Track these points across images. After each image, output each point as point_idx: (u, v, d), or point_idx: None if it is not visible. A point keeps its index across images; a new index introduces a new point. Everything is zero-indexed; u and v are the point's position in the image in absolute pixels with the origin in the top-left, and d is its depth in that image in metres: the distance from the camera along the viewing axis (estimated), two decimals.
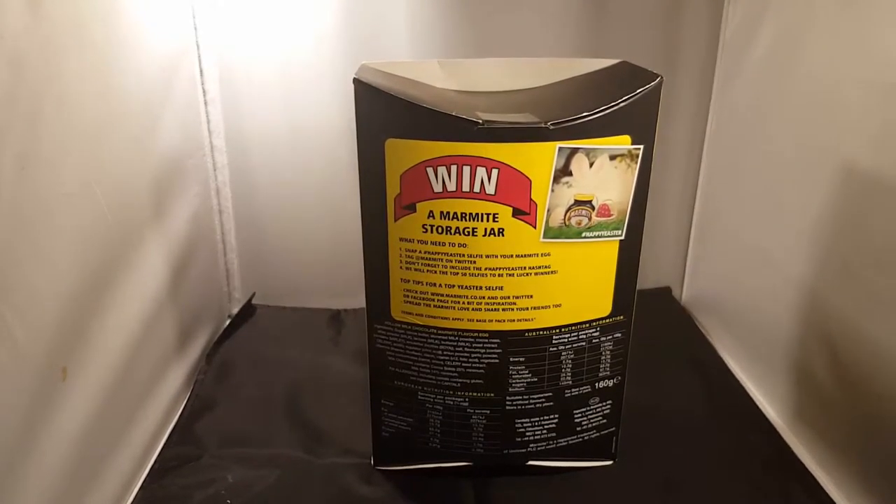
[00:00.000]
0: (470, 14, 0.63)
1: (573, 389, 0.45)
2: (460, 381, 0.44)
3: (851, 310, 0.47)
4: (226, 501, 0.46)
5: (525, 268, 0.40)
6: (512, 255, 0.40)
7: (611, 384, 0.46)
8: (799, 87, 0.51)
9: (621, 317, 0.44)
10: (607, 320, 0.44)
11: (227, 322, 0.69)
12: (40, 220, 0.37)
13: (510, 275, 0.40)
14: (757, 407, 0.56)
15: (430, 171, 0.38)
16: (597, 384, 0.46)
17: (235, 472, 0.48)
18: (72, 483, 0.41)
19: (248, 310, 0.71)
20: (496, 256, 0.40)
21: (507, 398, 0.44)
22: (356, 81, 0.38)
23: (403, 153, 0.38)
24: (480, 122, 0.37)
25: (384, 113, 0.38)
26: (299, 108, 0.64)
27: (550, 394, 0.45)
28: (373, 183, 0.40)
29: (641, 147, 0.39)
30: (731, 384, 0.60)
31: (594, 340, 0.44)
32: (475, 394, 0.44)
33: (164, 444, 0.52)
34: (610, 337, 0.45)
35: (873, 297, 0.45)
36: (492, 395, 0.44)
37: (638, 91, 0.38)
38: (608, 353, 0.45)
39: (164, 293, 0.54)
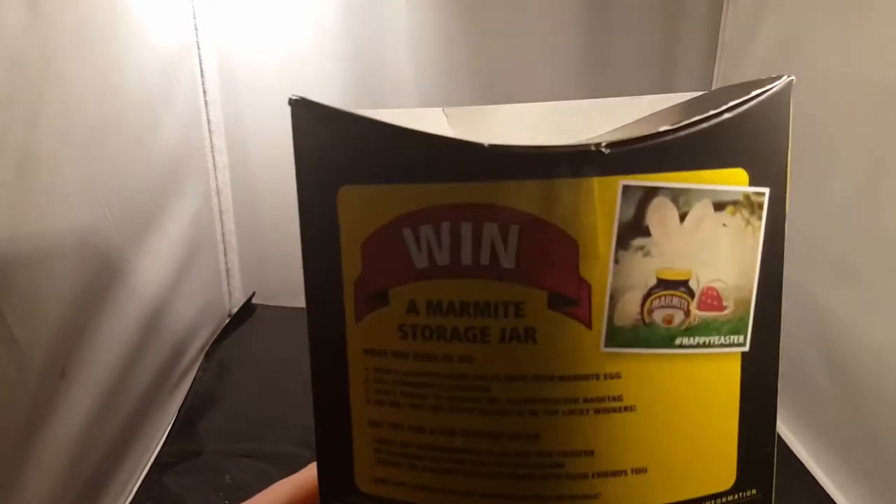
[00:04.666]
0: (470, 14, 0.59)
1: None
2: None
3: (850, 310, 0.47)
4: (224, 501, 0.45)
5: (577, 399, 0.23)
6: (553, 378, 0.23)
7: None
8: (798, 88, 0.44)
9: (752, 491, 0.25)
10: (730, 498, 0.25)
11: (227, 321, 0.69)
12: (41, 220, 0.37)
13: (551, 413, 0.23)
14: None
15: (407, 233, 0.23)
16: None
17: (234, 470, 0.48)
18: (71, 481, 0.41)
19: (248, 309, 0.70)
20: (525, 379, 0.23)
21: None
22: (293, 101, 0.24)
23: (365, 208, 0.24)
24: (486, 145, 0.22)
25: (338, 144, 0.24)
26: None
27: None
28: (321, 257, 0.25)
29: (767, 191, 0.23)
30: None
31: None
32: None
33: (164, 441, 0.53)
34: None
35: (872, 297, 0.46)
36: None
37: (753, 95, 0.23)
38: None
39: (164, 292, 0.54)
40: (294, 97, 0.24)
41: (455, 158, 0.22)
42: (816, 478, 0.50)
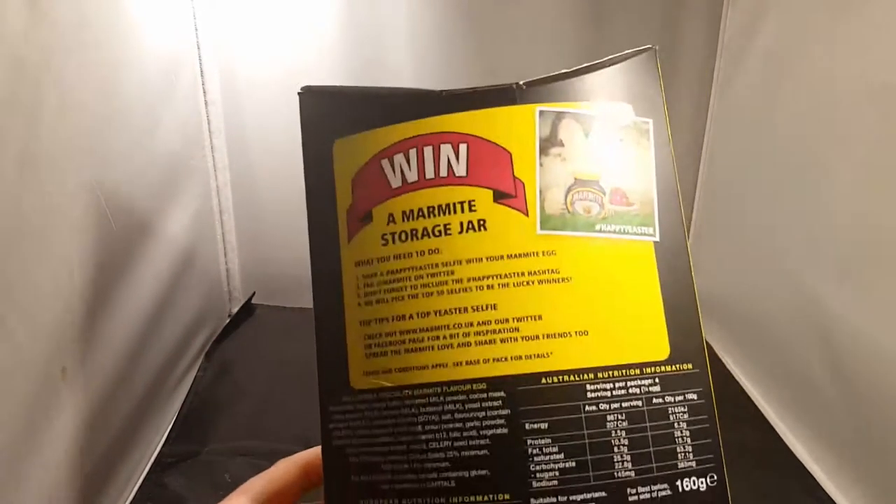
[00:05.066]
0: (470, 12, 0.64)
1: (639, 488, 0.28)
2: (454, 473, 0.28)
3: (850, 310, 0.47)
4: None
5: (524, 273, 0.29)
6: (502, 256, 0.29)
7: (702, 486, 0.29)
8: (798, 88, 0.51)
9: (689, 365, 0.30)
10: (668, 368, 0.29)
11: (227, 321, 0.69)
12: (41, 220, 0.37)
13: (503, 286, 0.29)
14: (756, 406, 0.58)
15: (385, 163, 0.31)
16: (678, 482, 0.29)
17: (234, 469, 0.49)
18: (72, 481, 0.41)
19: (248, 309, 0.71)
20: (481, 260, 0.29)
21: (532, 500, 0.28)
22: (301, 91, 0.34)
23: (354, 151, 0.32)
24: (440, 91, 0.30)
25: (332, 113, 0.33)
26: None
27: (603, 493, 0.28)
28: (320, 198, 0.32)
29: (650, 121, 0.32)
30: (730, 384, 0.61)
31: (655, 401, 0.29)
32: (479, 498, 0.28)
33: (164, 441, 0.53)
34: (681, 398, 0.29)
35: (873, 297, 0.45)
36: (507, 496, 0.28)
37: (630, 53, 0.32)
38: (684, 425, 0.29)
39: (165, 292, 0.54)
40: (302, 88, 0.33)
41: (417, 102, 0.31)
42: (816, 478, 0.50)
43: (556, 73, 0.31)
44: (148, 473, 0.50)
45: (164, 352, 0.56)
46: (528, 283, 0.29)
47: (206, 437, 0.54)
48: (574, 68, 0.31)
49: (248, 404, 0.58)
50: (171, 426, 0.55)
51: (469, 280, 0.29)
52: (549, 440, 0.28)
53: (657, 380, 0.29)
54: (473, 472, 0.28)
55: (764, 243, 0.58)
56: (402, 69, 0.72)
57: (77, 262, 0.42)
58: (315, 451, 0.33)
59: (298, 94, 0.33)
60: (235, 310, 0.74)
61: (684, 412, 0.29)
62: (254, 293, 0.74)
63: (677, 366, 0.30)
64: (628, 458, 0.28)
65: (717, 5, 0.65)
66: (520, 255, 0.29)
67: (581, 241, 0.29)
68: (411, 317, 0.29)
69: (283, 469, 0.34)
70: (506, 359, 0.28)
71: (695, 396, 0.30)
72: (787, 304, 0.56)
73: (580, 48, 0.69)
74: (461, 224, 0.29)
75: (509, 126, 0.30)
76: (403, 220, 0.30)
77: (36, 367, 0.38)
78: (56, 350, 0.39)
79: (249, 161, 0.73)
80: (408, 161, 0.30)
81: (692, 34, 0.68)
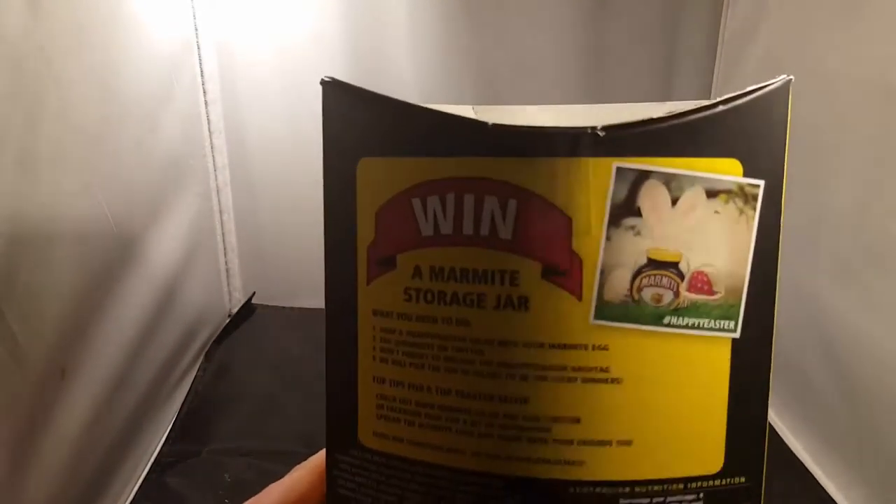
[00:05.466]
0: (470, 13, 0.61)
1: None
2: None
3: (850, 311, 0.46)
4: (225, 501, 0.44)
5: (566, 367, 0.24)
6: (543, 345, 0.24)
7: None
8: (798, 88, 0.43)
9: (742, 479, 0.26)
10: (717, 482, 0.26)
11: (227, 321, 0.69)
12: (41, 220, 0.37)
13: (540, 378, 0.25)
14: None
15: (416, 203, 0.25)
16: None
17: (234, 469, 0.48)
18: (71, 481, 0.41)
19: (248, 309, 0.70)
20: (516, 345, 0.25)
21: None
22: (325, 82, 0.27)
23: (381, 179, 0.26)
24: (489, 124, 0.24)
25: (359, 120, 0.27)
26: (300, 109, 0.65)
27: None
28: (340, 223, 0.27)
29: (762, 184, 0.24)
30: None
31: None
32: None
33: (164, 441, 0.53)
34: None
35: (872, 298, 0.45)
36: None
37: (749, 90, 0.24)
38: None
39: (165, 292, 0.54)
40: (326, 78, 0.27)
41: (461, 135, 0.24)
42: (816, 478, 0.50)
43: (646, 118, 0.23)
44: (148, 473, 0.50)
45: (163, 352, 0.55)
46: (569, 379, 0.24)
47: (206, 436, 0.54)
48: (672, 112, 0.23)
49: (248, 404, 0.58)
50: (171, 426, 0.55)
51: (499, 365, 0.25)
52: None
53: (701, 495, 0.26)
54: None
55: None
56: (403, 71, 0.69)
57: (77, 262, 0.41)
58: (295, 478, 0.32)
59: (321, 84, 0.27)
60: (235, 310, 0.73)
61: None
62: (254, 293, 0.74)
63: (728, 480, 0.26)
64: None
65: (717, 5, 0.65)
66: (564, 347, 0.24)
67: (642, 336, 0.24)
68: (430, 389, 0.26)
69: (300, 476, 0.33)
70: (530, 460, 0.25)
71: None
72: (787, 305, 0.53)
73: (580, 47, 0.67)
74: (498, 298, 0.24)
75: (575, 184, 0.24)
76: (432, 278, 0.25)
77: (35, 368, 0.37)
78: (56, 350, 0.39)
79: (249, 161, 0.71)
80: (443, 207, 0.25)
81: (692, 34, 0.67)
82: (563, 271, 0.24)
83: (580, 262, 0.24)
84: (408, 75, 0.71)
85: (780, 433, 0.53)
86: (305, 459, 0.40)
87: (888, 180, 0.43)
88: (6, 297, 0.34)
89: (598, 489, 0.25)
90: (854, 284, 0.47)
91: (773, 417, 0.55)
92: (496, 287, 0.24)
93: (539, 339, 0.24)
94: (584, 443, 0.25)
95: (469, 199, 0.24)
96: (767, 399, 0.26)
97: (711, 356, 0.25)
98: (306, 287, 0.73)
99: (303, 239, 0.72)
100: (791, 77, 0.24)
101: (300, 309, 0.73)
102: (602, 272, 0.24)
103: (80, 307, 0.42)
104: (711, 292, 0.24)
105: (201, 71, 0.64)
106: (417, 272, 0.26)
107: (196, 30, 0.63)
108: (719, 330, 0.25)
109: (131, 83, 0.49)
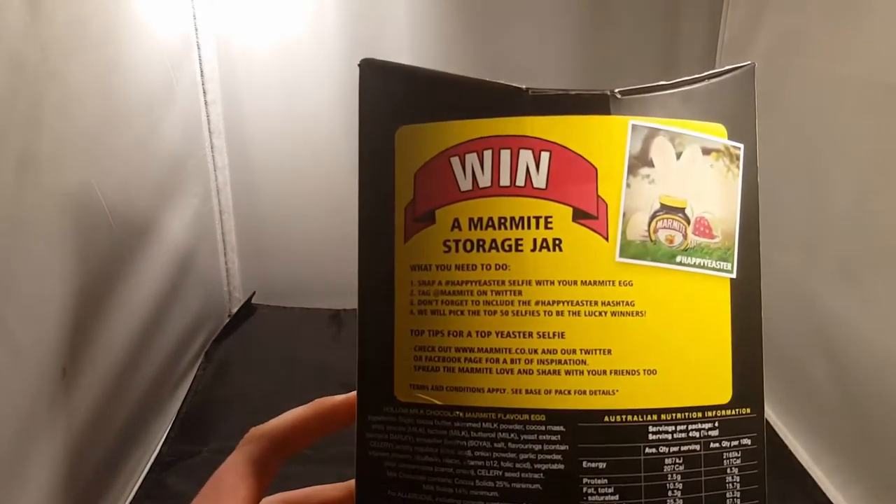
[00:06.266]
0: (470, 9, 0.63)
1: None
2: None
3: (850, 310, 0.46)
4: None
5: (597, 302, 0.27)
6: (576, 282, 0.27)
7: None
8: (798, 88, 0.50)
9: (747, 409, 0.29)
10: (728, 412, 0.28)
11: (227, 321, 0.69)
12: (41, 219, 0.37)
13: (574, 313, 0.27)
14: None
15: (454, 161, 0.28)
16: None
17: None
18: (71, 481, 0.41)
19: (248, 309, 0.70)
20: (553, 283, 0.27)
21: None
22: (362, 63, 0.30)
23: (420, 142, 0.29)
24: (524, 87, 0.27)
25: (396, 94, 0.29)
26: (300, 109, 0.65)
27: None
28: (376, 189, 0.29)
29: (742, 146, 0.29)
30: None
31: (713, 445, 0.28)
32: None
33: (164, 440, 0.53)
34: (736, 443, 0.28)
35: (873, 297, 0.45)
36: None
37: (728, 70, 0.29)
38: (736, 470, 0.28)
39: (165, 292, 0.54)
40: (362, 61, 0.30)
41: (497, 98, 0.28)
42: (816, 478, 0.50)
43: (653, 83, 0.28)
44: (148, 473, 0.50)
45: (164, 351, 0.55)
46: (600, 313, 0.27)
47: (206, 436, 0.53)
48: (672, 81, 0.28)
49: (249, 404, 0.57)
50: (171, 426, 0.55)
51: (537, 303, 0.27)
52: (606, 480, 0.27)
53: (716, 424, 0.28)
54: None
55: (764, 243, 0.59)
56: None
57: (77, 261, 0.41)
58: (326, 402, 0.32)
59: (358, 66, 0.30)
60: (235, 309, 0.73)
61: (737, 457, 0.28)
62: (254, 293, 0.75)
63: (737, 410, 0.29)
64: (681, 502, 0.27)
65: (717, 5, 0.65)
66: (595, 283, 0.27)
67: (659, 273, 0.27)
68: (469, 334, 0.27)
69: (294, 413, 0.32)
70: (569, 392, 0.27)
71: (749, 441, 0.29)
72: (787, 304, 0.56)
73: (581, 46, 0.72)
74: (535, 241, 0.27)
75: (599, 138, 0.27)
76: (470, 228, 0.28)
77: (36, 367, 0.37)
78: (56, 350, 0.39)
79: (249, 161, 0.72)
80: (481, 163, 0.28)
81: (692, 34, 0.68)
82: (592, 215, 0.27)
83: (606, 206, 0.27)
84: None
85: (779, 433, 0.54)
86: (306, 459, 0.40)
87: (887, 180, 0.44)
88: (6, 297, 0.34)
89: (630, 417, 0.27)
90: (854, 284, 0.47)
91: (773, 417, 0.56)
92: (532, 231, 0.27)
93: (573, 276, 0.27)
94: (616, 372, 0.27)
95: (506, 154, 0.27)
96: (762, 337, 0.29)
97: (715, 294, 0.28)
98: (306, 287, 0.72)
99: (303, 238, 0.72)
100: (754, 63, 0.30)
101: (300, 309, 0.72)
102: (624, 215, 0.27)
103: (81, 306, 0.41)
104: (712, 236, 0.28)
105: (201, 71, 0.65)
106: (456, 224, 0.28)
107: (196, 29, 0.63)
108: (719, 270, 0.28)
109: (131, 82, 0.49)
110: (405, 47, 0.71)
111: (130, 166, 0.49)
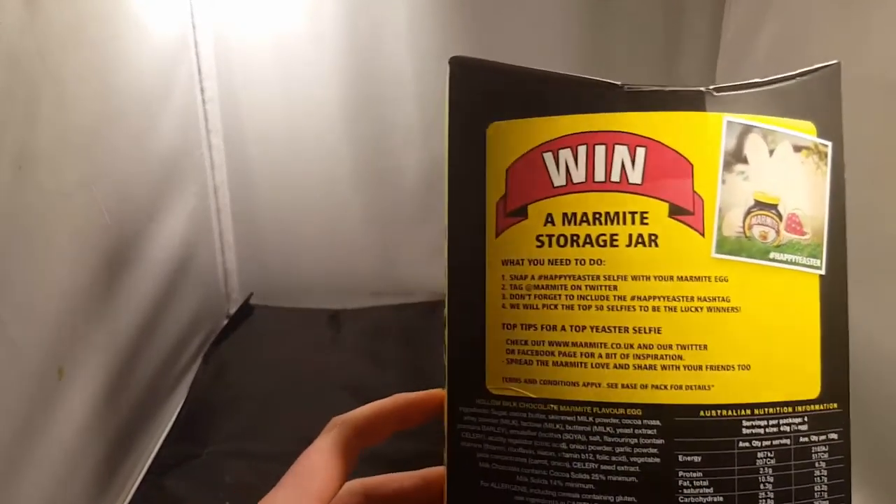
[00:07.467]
0: (468, 7, 0.63)
1: None
2: (598, 497, 0.27)
3: (853, 311, 0.40)
4: (225, 502, 0.45)
5: (693, 297, 0.27)
6: (672, 277, 0.27)
7: None
8: None
9: (835, 405, 0.29)
10: (817, 407, 0.29)
11: (225, 321, 0.68)
12: (38, 219, 0.37)
13: (670, 309, 0.27)
14: None
15: (548, 157, 0.28)
16: None
17: (234, 470, 0.48)
18: (71, 482, 0.40)
19: (246, 310, 0.69)
20: (649, 279, 0.27)
21: None
22: (453, 61, 0.30)
23: (512, 138, 0.29)
24: (620, 84, 0.28)
25: (487, 91, 0.29)
26: (298, 107, 0.64)
27: None
28: (467, 185, 0.29)
29: (830, 144, 0.29)
30: None
31: (802, 440, 0.28)
32: None
33: (163, 443, 0.52)
34: (824, 437, 0.29)
35: (874, 297, 0.44)
36: None
37: (815, 68, 0.29)
38: (823, 465, 0.29)
39: (162, 292, 0.53)
40: (452, 59, 0.30)
41: (592, 93, 0.28)
42: None
43: (746, 81, 0.28)
44: (146, 475, 0.49)
45: (162, 352, 0.55)
46: (696, 308, 0.27)
47: (205, 438, 0.53)
48: (765, 78, 0.28)
49: (248, 405, 0.57)
50: (169, 428, 0.54)
51: (633, 298, 0.27)
52: (701, 474, 0.27)
53: (806, 419, 0.28)
54: (619, 498, 0.27)
55: None
56: (402, 67, 0.70)
57: (73, 261, 0.41)
58: (405, 396, 0.32)
59: (448, 63, 0.30)
60: (233, 310, 0.72)
61: (825, 451, 0.29)
62: (251, 293, 0.73)
63: (825, 405, 0.29)
64: (772, 496, 0.28)
65: (717, 5, 0.65)
66: (691, 279, 0.27)
67: (754, 269, 0.28)
68: (563, 328, 0.28)
69: (374, 405, 0.32)
70: (665, 387, 0.27)
71: (836, 436, 0.29)
72: None
73: (581, 46, 0.70)
74: (630, 236, 0.27)
75: (694, 134, 0.27)
76: (564, 223, 0.28)
77: (33, 368, 0.37)
78: (53, 350, 0.39)
79: (247, 159, 0.71)
80: (575, 158, 0.28)
81: (693, 34, 0.67)
82: (689, 210, 0.27)
83: (702, 201, 0.27)
84: (407, 71, 0.71)
85: None
86: None
87: (891, 179, 0.44)
88: (3, 297, 0.34)
89: (724, 412, 0.27)
90: (855, 284, 0.49)
91: None
92: (628, 227, 0.27)
93: (669, 272, 0.27)
94: (711, 368, 0.27)
95: (601, 150, 0.28)
96: (848, 333, 0.29)
97: (806, 290, 0.29)
98: (305, 287, 0.71)
99: (301, 238, 0.71)
100: (839, 62, 0.30)
101: (299, 309, 0.72)
102: (720, 211, 0.27)
103: (78, 307, 0.41)
104: (802, 232, 0.28)
105: (199, 69, 0.63)
106: (549, 219, 0.28)
107: (193, 27, 0.62)
108: (810, 267, 0.29)
109: (128, 81, 0.49)
110: (403, 44, 0.70)
111: (127, 164, 0.49)
